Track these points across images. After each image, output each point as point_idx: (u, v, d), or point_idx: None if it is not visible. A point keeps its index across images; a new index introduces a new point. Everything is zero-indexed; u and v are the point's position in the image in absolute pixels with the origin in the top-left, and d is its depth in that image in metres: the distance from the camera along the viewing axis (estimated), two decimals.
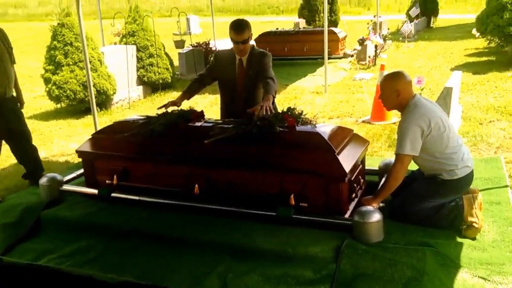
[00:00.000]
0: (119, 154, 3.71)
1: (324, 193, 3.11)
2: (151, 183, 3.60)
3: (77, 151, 3.96)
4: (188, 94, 4.17)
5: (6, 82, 4.37)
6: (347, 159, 3.16)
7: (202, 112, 3.86)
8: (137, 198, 3.59)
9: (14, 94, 4.69)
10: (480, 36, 10.95)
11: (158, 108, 3.97)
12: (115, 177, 3.70)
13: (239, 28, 3.86)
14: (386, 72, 6.44)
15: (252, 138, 3.32)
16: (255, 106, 3.66)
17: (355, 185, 3.29)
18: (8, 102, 4.48)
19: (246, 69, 4.01)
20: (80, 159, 4.04)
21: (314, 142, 3.19)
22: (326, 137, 3.21)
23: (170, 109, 3.92)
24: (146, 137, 3.63)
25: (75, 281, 1.70)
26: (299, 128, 3.38)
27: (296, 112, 3.54)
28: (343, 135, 3.45)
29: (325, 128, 3.43)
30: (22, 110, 4.78)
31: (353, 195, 3.29)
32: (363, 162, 3.57)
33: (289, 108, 3.59)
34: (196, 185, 3.41)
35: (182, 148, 3.51)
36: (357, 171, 3.36)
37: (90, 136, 4.00)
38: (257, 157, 3.27)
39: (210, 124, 3.65)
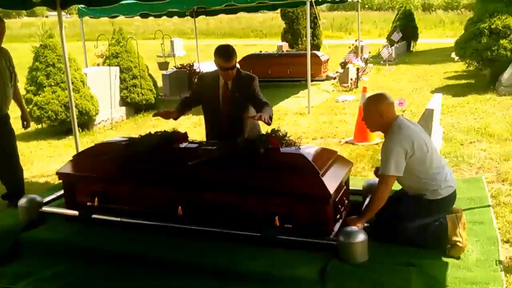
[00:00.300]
0: (100, 176, 3.66)
1: (309, 214, 3.10)
2: (134, 205, 3.55)
3: (57, 173, 3.89)
4: (177, 111, 4.07)
5: (3, 99, 4.36)
6: (331, 181, 3.17)
7: (185, 133, 3.84)
8: (118, 219, 3.53)
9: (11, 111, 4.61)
10: (459, 60, 11.23)
11: (153, 115, 4.01)
12: (96, 199, 3.63)
13: (227, 55, 3.81)
14: (368, 94, 6.54)
15: (236, 160, 3.31)
16: (251, 116, 3.73)
17: (339, 206, 3.29)
18: (2, 120, 4.43)
19: (232, 91, 3.95)
20: (60, 181, 3.96)
21: (298, 164, 3.20)
22: (310, 159, 3.22)
23: (153, 131, 3.90)
24: (128, 159, 3.59)
25: None
26: (283, 149, 3.38)
27: (280, 134, 3.55)
28: (327, 156, 3.46)
29: (309, 150, 3.44)
30: (23, 129, 4.78)
31: (338, 216, 3.28)
32: (347, 183, 3.58)
33: (273, 130, 3.60)
34: (180, 207, 3.37)
35: (165, 170, 3.47)
36: (342, 192, 3.36)
37: (71, 158, 3.94)
38: (241, 179, 3.26)
39: (194, 146, 3.63)
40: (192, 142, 3.77)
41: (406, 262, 2.92)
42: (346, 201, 3.48)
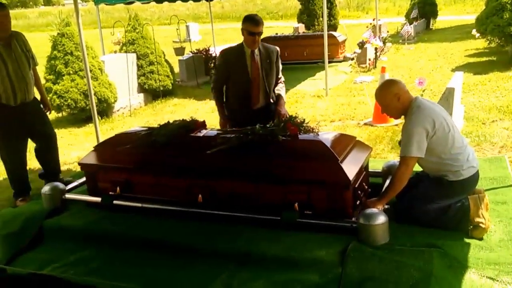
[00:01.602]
0: (121, 166, 3.70)
1: (328, 201, 3.08)
2: (154, 194, 3.57)
3: (79, 164, 3.96)
4: (223, 109, 4.33)
5: (24, 86, 4.38)
6: (350, 167, 3.14)
7: (204, 122, 3.87)
8: (140, 205, 3.57)
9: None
10: (480, 37, 10.95)
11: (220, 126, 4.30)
12: (117, 189, 3.68)
13: (256, 20, 4.10)
14: (387, 75, 6.46)
15: (254, 148, 3.30)
16: (278, 110, 4.20)
17: (359, 192, 3.26)
18: (30, 106, 4.49)
19: (261, 60, 4.18)
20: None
21: (317, 151, 3.17)
22: (329, 145, 3.19)
23: (171, 118, 3.97)
24: (148, 148, 3.62)
25: None
26: (302, 136, 3.36)
27: (298, 121, 3.53)
28: (346, 142, 3.43)
29: (328, 136, 3.41)
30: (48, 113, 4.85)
31: (358, 202, 3.26)
32: (366, 168, 3.54)
33: (291, 117, 3.58)
34: (200, 196, 3.40)
35: (184, 159, 3.49)
36: (361, 177, 3.33)
37: (92, 148, 4.00)
38: (260, 167, 3.25)
39: (212, 134, 3.64)
40: (211, 130, 3.77)
41: (428, 244, 2.89)
42: (366, 187, 3.45)
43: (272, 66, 4.27)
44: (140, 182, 3.65)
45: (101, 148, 3.92)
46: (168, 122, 3.88)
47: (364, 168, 3.41)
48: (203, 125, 3.82)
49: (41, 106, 4.80)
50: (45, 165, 4.77)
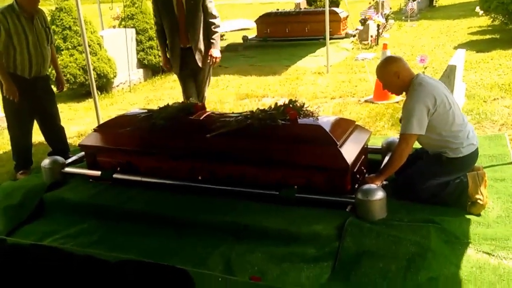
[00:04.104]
0: (121, 148, 3.71)
1: (327, 185, 3.09)
2: (154, 177, 3.58)
3: (79, 145, 3.99)
4: (164, 50, 5.08)
5: (41, 61, 4.43)
6: (349, 151, 3.14)
7: (203, 105, 3.87)
8: (139, 179, 3.59)
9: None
10: (483, 14, 10.81)
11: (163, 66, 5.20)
12: (118, 170, 3.70)
13: None
14: (389, 51, 6.39)
15: (254, 132, 3.30)
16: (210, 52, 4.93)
17: (357, 176, 3.26)
18: (41, 81, 4.53)
19: (186, 0, 4.76)
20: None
21: (316, 135, 3.17)
22: (328, 130, 3.19)
23: (171, 93, 4.05)
24: (148, 131, 3.62)
25: (77, 261, 1.71)
26: (301, 120, 3.35)
27: (298, 105, 3.52)
28: (345, 126, 3.43)
29: (327, 120, 3.40)
30: (58, 91, 4.94)
31: (356, 186, 3.27)
32: (366, 152, 3.54)
33: (290, 101, 3.58)
34: (200, 178, 3.41)
35: (184, 142, 3.50)
36: (360, 161, 3.33)
37: (92, 130, 4.00)
38: (259, 151, 3.25)
39: (212, 117, 3.63)
40: (210, 113, 3.76)
41: (425, 219, 2.91)
42: (365, 171, 3.45)
43: (198, 7, 4.80)
44: (140, 164, 3.66)
45: (102, 130, 3.93)
46: (168, 104, 3.91)
47: (363, 152, 3.41)
48: (202, 108, 3.82)
49: (55, 83, 4.88)
50: (53, 144, 4.80)
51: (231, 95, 7.22)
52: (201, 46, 4.94)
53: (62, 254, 2.06)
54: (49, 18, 7.38)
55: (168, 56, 5.07)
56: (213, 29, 4.96)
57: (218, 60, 5.04)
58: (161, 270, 2.07)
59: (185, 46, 4.90)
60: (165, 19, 4.88)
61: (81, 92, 7.61)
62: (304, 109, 3.46)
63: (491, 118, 5.06)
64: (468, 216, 3.03)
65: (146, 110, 3.93)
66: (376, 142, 4.00)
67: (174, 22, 4.84)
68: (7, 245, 2.38)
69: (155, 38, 8.89)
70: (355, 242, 2.71)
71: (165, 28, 4.93)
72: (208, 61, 4.99)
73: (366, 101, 6.25)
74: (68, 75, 7.32)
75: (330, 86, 7.23)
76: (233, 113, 3.72)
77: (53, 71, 5.04)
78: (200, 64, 4.96)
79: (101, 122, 5.60)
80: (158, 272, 2.01)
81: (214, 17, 4.97)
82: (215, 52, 4.98)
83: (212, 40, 4.96)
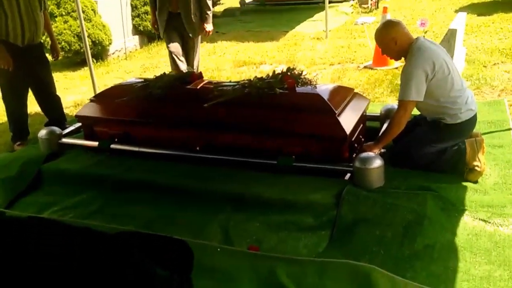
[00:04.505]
0: (118, 118, 3.68)
1: (325, 154, 3.07)
2: (152, 147, 3.56)
3: (76, 116, 3.95)
4: (154, 10, 5.14)
5: (34, 28, 4.33)
6: (347, 120, 3.11)
7: (200, 73, 3.81)
8: (137, 149, 3.58)
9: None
10: None
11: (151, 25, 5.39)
12: (115, 141, 3.69)
13: None
14: (389, 15, 6.27)
15: (251, 101, 3.26)
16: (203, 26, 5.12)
17: (356, 145, 3.24)
18: (34, 49, 4.45)
19: None
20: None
21: (314, 104, 3.14)
22: (326, 98, 3.15)
23: (167, 61, 4.04)
24: (145, 101, 3.58)
25: (74, 233, 1.72)
26: (299, 89, 3.31)
27: (296, 72, 3.47)
28: (343, 94, 3.39)
29: (325, 89, 3.36)
30: (53, 59, 4.88)
31: (354, 155, 3.26)
32: (364, 121, 3.51)
33: (288, 69, 3.52)
34: (197, 148, 3.40)
35: (181, 112, 3.46)
36: (358, 130, 3.31)
37: (89, 100, 3.95)
38: (257, 120, 3.22)
39: (209, 87, 3.58)
40: (208, 82, 3.71)
41: (422, 187, 2.92)
42: (363, 139, 3.44)
43: None
44: (137, 134, 3.64)
45: (98, 100, 3.88)
46: (164, 73, 3.85)
47: (361, 121, 3.38)
48: (199, 76, 3.77)
49: (50, 51, 4.82)
50: (49, 114, 4.75)
51: (228, 62, 7.13)
52: (192, 15, 5.02)
53: (60, 227, 2.06)
54: None
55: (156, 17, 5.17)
56: (206, 2, 5.08)
57: (210, 33, 5.30)
58: (159, 241, 2.08)
59: (174, 11, 5.01)
60: None
61: (76, 60, 7.51)
62: (302, 77, 3.41)
63: (491, 83, 5.01)
64: (465, 183, 3.03)
65: (142, 80, 3.87)
66: (375, 109, 3.97)
67: None
68: (5, 217, 2.39)
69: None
70: (352, 210, 2.72)
71: None
72: (203, 34, 5.25)
73: (365, 67, 6.18)
74: (62, 43, 7.20)
75: (329, 52, 7.13)
76: (230, 81, 3.68)
77: (48, 39, 4.94)
78: (191, 34, 5.08)
79: (97, 91, 5.56)
80: (156, 243, 2.02)
81: None
82: (209, 26, 5.20)
83: (206, 15, 5.12)
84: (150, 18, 8.77)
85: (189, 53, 5.23)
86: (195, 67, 5.27)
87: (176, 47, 5.13)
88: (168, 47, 5.20)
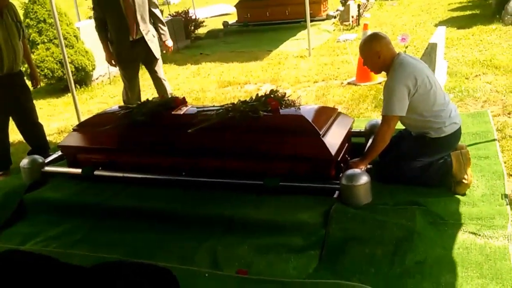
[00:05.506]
0: (101, 146, 3.65)
1: (311, 176, 3.05)
2: (136, 172, 3.51)
3: (58, 146, 3.92)
4: (107, 45, 4.96)
5: (12, 56, 4.29)
6: (332, 141, 3.11)
7: (184, 98, 3.81)
8: (121, 175, 3.52)
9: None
10: None
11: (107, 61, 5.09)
12: (99, 169, 3.65)
13: None
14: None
15: (235, 124, 3.25)
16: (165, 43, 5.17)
17: (342, 165, 3.23)
18: (14, 78, 4.40)
19: None
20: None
21: (298, 125, 3.14)
22: (310, 120, 3.16)
23: (150, 97, 4.04)
24: (129, 128, 3.56)
25: (52, 268, 1.65)
26: (283, 111, 3.31)
27: (279, 94, 3.47)
28: (328, 115, 3.40)
29: (309, 110, 3.37)
30: (33, 87, 4.81)
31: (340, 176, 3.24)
32: (349, 140, 3.51)
33: (272, 91, 3.52)
34: (183, 174, 3.37)
35: (165, 138, 3.44)
36: (344, 150, 3.30)
37: (72, 130, 3.91)
38: (241, 144, 3.21)
39: (193, 111, 3.56)
40: (191, 107, 3.69)
41: (410, 202, 2.90)
42: (349, 158, 3.43)
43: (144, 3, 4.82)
44: (120, 162, 3.60)
45: (81, 129, 3.84)
46: (147, 100, 3.84)
47: (346, 140, 3.38)
48: (183, 101, 3.75)
49: (30, 79, 4.75)
50: (32, 142, 4.68)
51: (213, 83, 7.13)
52: (151, 36, 4.98)
53: (40, 260, 2.00)
54: (22, 11, 7.23)
55: (112, 51, 4.99)
56: (160, 18, 5.08)
57: (172, 49, 5.30)
58: (143, 270, 2.02)
59: (134, 38, 4.87)
60: (109, 12, 4.80)
61: (59, 87, 7.45)
62: (286, 98, 3.42)
63: (474, 95, 5.06)
64: (452, 196, 3.02)
65: (125, 107, 3.85)
66: (360, 125, 3.97)
67: (121, 14, 4.76)
68: None
69: None
70: (340, 228, 2.69)
71: (109, 22, 4.84)
72: (164, 51, 5.26)
73: (349, 83, 6.21)
74: (45, 70, 7.15)
75: (313, 70, 7.18)
76: (214, 106, 3.67)
77: (27, 67, 4.90)
78: (156, 55, 5.02)
79: (82, 117, 5.51)
80: (138, 273, 1.96)
81: (156, 6, 5.08)
82: (170, 42, 5.22)
83: (162, 31, 5.10)
84: None
85: (158, 73, 5.16)
86: (166, 84, 5.25)
87: (136, 91, 5.16)
88: (128, 90, 5.12)
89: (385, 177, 3.17)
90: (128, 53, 4.90)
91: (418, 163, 3.14)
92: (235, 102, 3.49)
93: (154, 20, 5.04)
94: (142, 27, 4.85)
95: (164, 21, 5.16)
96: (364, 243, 2.58)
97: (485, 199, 3.00)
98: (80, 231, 3.17)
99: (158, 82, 5.20)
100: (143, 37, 4.89)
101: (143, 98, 4.86)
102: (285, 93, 3.52)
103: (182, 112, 3.57)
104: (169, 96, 4.99)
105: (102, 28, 4.91)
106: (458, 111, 3.24)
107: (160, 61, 5.18)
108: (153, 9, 4.99)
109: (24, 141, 4.83)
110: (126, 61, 4.97)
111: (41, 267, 1.65)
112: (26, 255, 1.99)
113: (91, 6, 11.47)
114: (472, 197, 3.02)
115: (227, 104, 3.51)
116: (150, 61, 5.07)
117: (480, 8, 10.24)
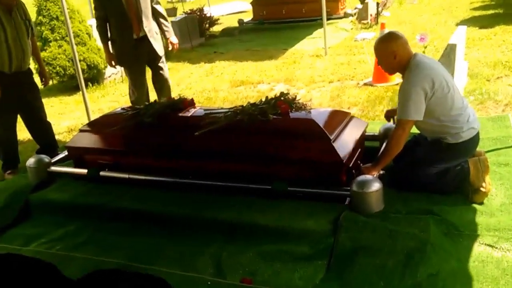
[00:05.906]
0: (108, 148, 3.58)
1: (321, 182, 2.93)
2: (142, 173, 3.44)
3: (66, 147, 3.87)
4: (107, 46, 4.84)
5: (21, 55, 4.27)
6: (343, 146, 2.99)
7: (192, 100, 3.71)
8: (126, 176, 3.46)
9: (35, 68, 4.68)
10: None
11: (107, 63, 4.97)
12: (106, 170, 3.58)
13: None
14: (386, 31, 6.17)
15: (244, 128, 3.15)
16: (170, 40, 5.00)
17: (353, 171, 3.10)
18: (23, 76, 4.38)
19: None
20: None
21: (308, 130, 3.02)
22: (321, 124, 3.04)
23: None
24: (136, 129, 3.49)
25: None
26: (293, 114, 3.20)
27: (290, 97, 3.37)
28: (339, 119, 3.27)
29: (320, 114, 3.24)
30: (42, 85, 4.79)
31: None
32: (362, 145, 3.38)
33: (282, 93, 3.42)
34: (190, 177, 3.28)
35: (172, 140, 3.36)
36: (356, 156, 3.17)
37: (79, 130, 3.87)
38: (249, 147, 3.11)
39: (201, 113, 3.47)
40: (199, 109, 3.61)
41: (424, 210, 2.77)
42: (361, 164, 3.31)
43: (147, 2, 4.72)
44: (127, 164, 3.52)
45: (88, 130, 3.79)
46: (155, 101, 3.78)
47: (359, 146, 3.25)
48: (191, 103, 3.67)
49: (39, 77, 4.73)
50: (40, 140, 4.67)
51: (225, 82, 7.04)
52: (155, 33, 4.86)
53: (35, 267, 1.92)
54: (35, 9, 7.24)
55: (112, 52, 4.87)
56: (163, 14, 4.95)
57: (177, 46, 5.12)
58: (136, 279, 1.94)
59: (138, 36, 4.75)
60: (111, 10, 4.69)
61: (72, 85, 7.44)
62: (296, 101, 3.31)
63: (495, 98, 4.87)
64: (469, 205, 2.87)
65: (133, 108, 3.79)
66: (374, 128, 3.83)
67: (123, 12, 4.65)
68: None
69: None
70: (350, 237, 2.57)
71: (111, 20, 4.74)
72: (170, 48, 5.09)
73: (365, 84, 6.07)
74: (57, 68, 7.15)
75: (328, 69, 7.04)
76: (222, 108, 3.58)
77: (37, 65, 4.88)
78: (160, 53, 4.90)
79: (92, 115, 5.47)
80: (132, 283, 1.88)
81: (158, 2, 4.97)
82: (174, 38, 5.05)
83: (165, 28, 4.99)
84: None
85: (163, 72, 5.04)
86: (169, 85, 5.15)
87: (143, 91, 5.01)
88: (134, 88, 4.97)
89: (399, 183, 3.04)
90: (132, 51, 4.78)
91: (434, 169, 2.99)
92: (244, 105, 3.39)
93: (157, 17, 4.92)
94: (145, 24, 4.74)
95: (167, 17, 5.07)
96: (374, 254, 2.45)
97: (504, 208, 2.84)
98: (84, 233, 3.12)
99: (161, 83, 5.05)
100: (146, 36, 4.78)
101: (151, 99, 4.78)
102: (296, 96, 3.40)
103: (189, 114, 3.49)
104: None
105: (103, 28, 4.81)
106: (476, 116, 3.09)
107: (164, 59, 5.07)
108: (154, 5, 4.88)
109: (32, 139, 4.81)
110: (130, 61, 4.86)
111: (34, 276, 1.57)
112: (25, 260, 1.91)
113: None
114: (490, 206, 2.87)
115: (236, 107, 3.41)
116: (153, 60, 4.95)
117: (503, 7, 9.95)
